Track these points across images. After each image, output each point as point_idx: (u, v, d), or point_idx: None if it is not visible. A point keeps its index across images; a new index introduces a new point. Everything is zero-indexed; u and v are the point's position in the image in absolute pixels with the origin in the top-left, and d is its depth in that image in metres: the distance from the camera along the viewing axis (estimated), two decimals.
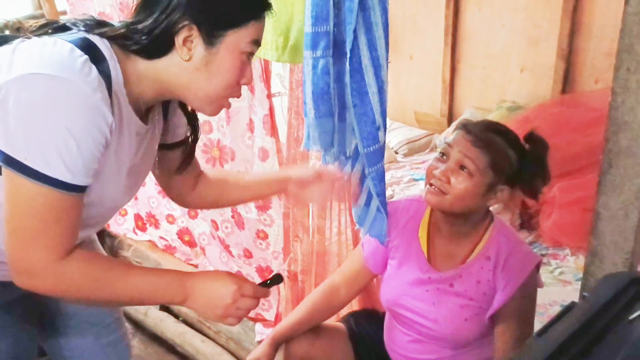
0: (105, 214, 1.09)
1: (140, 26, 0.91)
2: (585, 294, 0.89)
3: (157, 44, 0.91)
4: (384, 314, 1.58)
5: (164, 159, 1.17)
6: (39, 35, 0.90)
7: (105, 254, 1.07)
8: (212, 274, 1.00)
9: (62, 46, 0.85)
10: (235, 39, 0.93)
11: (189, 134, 1.16)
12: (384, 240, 1.44)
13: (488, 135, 1.26)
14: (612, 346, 0.73)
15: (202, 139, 1.95)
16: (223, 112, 1.87)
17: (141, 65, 0.94)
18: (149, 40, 0.91)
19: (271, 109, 1.74)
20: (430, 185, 1.29)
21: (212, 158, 2.01)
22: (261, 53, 1.56)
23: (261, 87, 1.72)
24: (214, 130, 1.96)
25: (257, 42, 0.97)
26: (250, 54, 0.97)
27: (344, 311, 1.71)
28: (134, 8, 0.94)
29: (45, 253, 0.87)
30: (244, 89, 1.75)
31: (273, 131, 1.77)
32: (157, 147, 1.13)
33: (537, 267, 1.32)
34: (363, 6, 1.21)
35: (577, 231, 2.30)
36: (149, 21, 0.90)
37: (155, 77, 0.95)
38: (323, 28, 1.25)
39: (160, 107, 1.09)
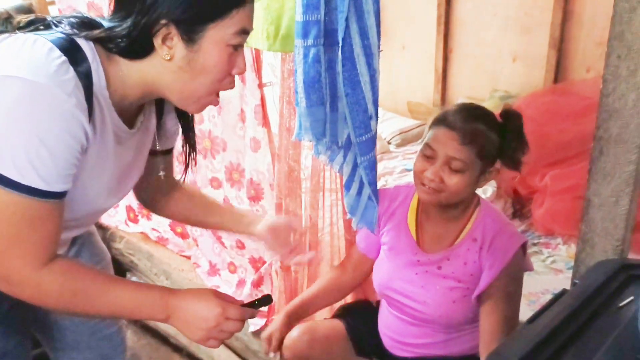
0: (90, 216, 1.08)
1: (118, 29, 0.87)
2: (576, 281, 0.90)
3: (137, 46, 0.88)
4: (377, 304, 1.59)
5: (148, 162, 1.14)
6: (24, 32, 0.88)
7: (89, 265, 1.05)
8: (197, 293, 0.97)
9: (41, 46, 0.82)
10: (217, 33, 0.88)
11: (183, 144, 1.14)
12: (374, 228, 1.45)
13: (471, 127, 1.26)
14: (602, 332, 0.74)
15: None
16: None
17: (124, 67, 0.91)
18: (128, 42, 0.88)
19: (263, 99, 1.73)
20: (423, 184, 1.30)
21: (204, 149, 2.00)
22: (252, 42, 1.55)
23: (252, 76, 1.71)
24: (205, 120, 1.95)
25: (244, 31, 0.91)
26: (239, 46, 0.92)
27: (336, 305, 1.72)
28: (111, 8, 0.91)
29: (20, 262, 0.85)
30: (235, 78, 1.75)
31: (265, 121, 1.76)
32: (146, 152, 1.10)
33: (524, 249, 1.34)
34: None
35: (569, 219, 2.31)
36: (127, 23, 0.86)
37: (139, 78, 0.92)
38: (314, 16, 1.24)
39: (152, 110, 1.06)
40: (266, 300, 1.05)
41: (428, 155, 1.30)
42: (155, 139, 1.11)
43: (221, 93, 1.90)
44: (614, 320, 0.77)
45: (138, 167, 1.09)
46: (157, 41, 0.87)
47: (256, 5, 1.01)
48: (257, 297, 1.06)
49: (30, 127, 0.79)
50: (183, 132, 1.13)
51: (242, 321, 0.98)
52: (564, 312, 0.77)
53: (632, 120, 0.94)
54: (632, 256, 1.06)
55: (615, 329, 0.73)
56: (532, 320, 0.77)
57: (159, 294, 0.95)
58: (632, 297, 0.82)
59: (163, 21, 0.85)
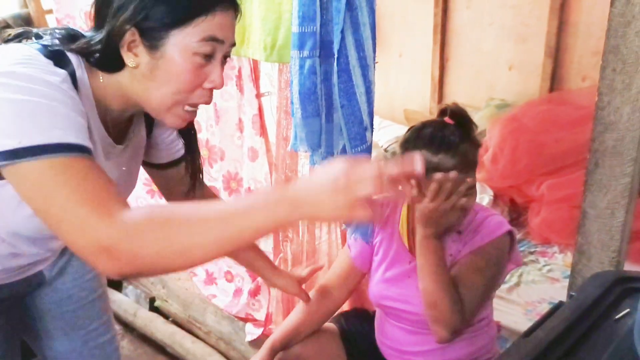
0: None
1: (92, 42, 0.87)
2: (572, 293, 0.90)
3: (110, 57, 0.88)
4: (374, 312, 1.59)
5: (165, 178, 1.13)
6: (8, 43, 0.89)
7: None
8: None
9: (27, 51, 0.83)
10: (181, 40, 0.85)
11: (184, 153, 1.13)
12: (369, 239, 1.46)
13: (458, 153, 1.22)
14: (598, 345, 0.74)
15: None
16: (212, 111, 1.87)
17: (104, 78, 0.91)
18: (102, 54, 0.87)
19: (260, 109, 1.74)
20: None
21: (202, 158, 2.00)
22: (249, 53, 1.56)
23: (250, 86, 1.72)
24: (203, 130, 1.96)
25: (213, 39, 0.87)
26: (207, 55, 0.88)
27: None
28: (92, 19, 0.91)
29: (99, 220, 0.73)
30: (233, 88, 1.76)
31: (262, 131, 1.77)
32: (137, 169, 1.09)
33: (512, 240, 1.33)
34: (350, 6, 1.21)
35: (566, 228, 2.32)
36: (100, 35, 0.87)
37: (117, 90, 0.92)
38: (310, 28, 1.25)
39: (141, 125, 1.06)
40: None
41: (420, 193, 1.23)
42: (158, 150, 1.11)
43: (219, 103, 1.91)
44: (610, 333, 0.77)
45: (130, 182, 1.08)
46: (123, 49, 0.87)
47: (253, 17, 1.00)
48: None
49: (39, 92, 0.77)
50: (186, 152, 1.12)
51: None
52: (561, 325, 0.77)
53: (627, 133, 0.95)
54: (628, 266, 1.07)
55: (612, 342, 0.74)
56: (528, 333, 0.77)
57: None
58: (628, 310, 0.82)
59: (127, 27, 0.84)
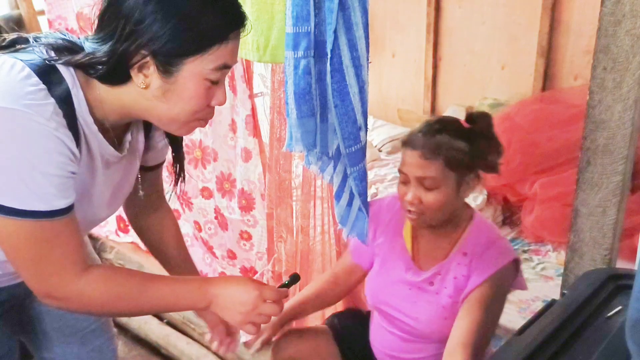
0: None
1: (98, 54, 0.86)
2: (565, 291, 0.91)
3: (115, 73, 0.87)
4: (368, 313, 1.59)
5: (145, 179, 1.14)
6: (4, 52, 0.88)
7: (119, 266, 1.05)
8: (234, 279, 1.01)
9: (18, 72, 0.82)
10: (196, 67, 0.87)
11: (172, 164, 1.14)
12: (364, 239, 1.45)
13: (431, 141, 1.25)
14: (591, 342, 0.74)
15: (184, 140, 1.93)
16: None
17: (103, 91, 0.90)
18: (106, 69, 0.87)
19: (253, 109, 1.74)
20: (408, 211, 1.30)
21: (194, 159, 2.00)
22: (242, 53, 1.56)
23: (243, 87, 1.71)
24: (196, 131, 1.93)
25: (225, 67, 0.90)
26: (217, 80, 0.91)
27: (328, 312, 1.72)
28: (94, 27, 0.90)
29: (57, 279, 0.88)
30: (226, 89, 1.76)
31: (256, 131, 1.76)
32: (136, 170, 1.10)
33: (516, 266, 1.32)
34: (343, 6, 1.20)
35: (558, 226, 2.33)
36: (106, 48, 0.85)
37: (118, 102, 0.91)
38: (304, 28, 1.24)
39: (140, 128, 1.06)
40: (295, 279, 1.10)
41: (403, 180, 1.31)
42: (147, 152, 1.11)
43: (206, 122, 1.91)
44: (602, 330, 0.78)
45: (129, 183, 1.09)
46: (133, 69, 0.86)
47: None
48: (285, 281, 1.10)
49: (18, 154, 0.79)
50: (174, 154, 1.13)
51: (279, 303, 1.00)
52: (553, 323, 0.77)
53: (619, 131, 0.96)
54: (621, 263, 1.07)
55: (604, 339, 0.74)
56: (521, 331, 0.77)
57: (197, 284, 0.98)
58: (620, 307, 0.83)
59: (140, 51, 0.84)
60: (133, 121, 1.02)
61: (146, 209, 1.24)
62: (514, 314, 1.96)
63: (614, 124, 0.96)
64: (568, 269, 1.09)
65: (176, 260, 1.30)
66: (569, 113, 2.64)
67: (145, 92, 0.88)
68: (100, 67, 0.86)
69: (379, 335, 1.48)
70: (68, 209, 0.86)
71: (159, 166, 1.18)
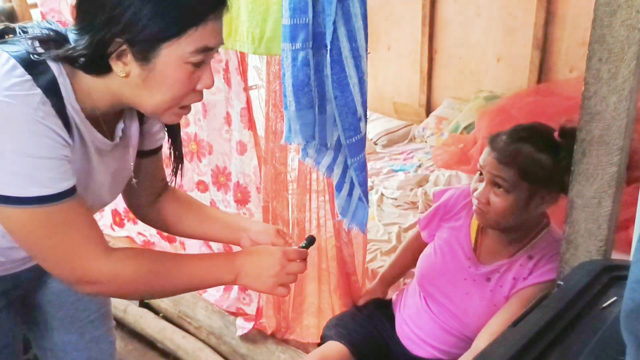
0: None
1: (77, 48, 0.85)
2: (560, 282, 0.91)
3: (96, 64, 0.87)
4: (367, 309, 1.59)
5: (140, 165, 1.12)
6: None
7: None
8: (256, 249, 1.04)
9: (3, 64, 0.82)
10: (173, 52, 0.85)
11: (169, 143, 1.12)
12: (364, 228, 1.45)
13: (513, 148, 1.23)
14: (586, 333, 0.74)
15: None
16: (200, 105, 1.86)
17: (89, 81, 0.90)
18: (86, 61, 0.86)
19: (248, 102, 1.73)
20: (476, 206, 1.31)
21: (190, 152, 1.99)
22: (237, 45, 1.55)
23: (238, 80, 1.70)
24: (191, 124, 1.94)
25: (206, 49, 0.87)
26: (201, 63, 0.89)
27: (327, 313, 1.74)
28: (74, 19, 0.89)
29: (85, 262, 0.88)
30: (220, 82, 1.75)
31: (251, 124, 1.76)
32: (131, 157, 1.08)
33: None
34: None
35: (554, 217, 2.33)
36: (83, 42, 0.85)
37: (105, 91, 0.91)
38: (302, 20, 1.24)
39: (133, 116, 1.05)
40: (311, 240, 1.12)
41: (479, 177, 1.31)
42: (143, 138, 1.10)
43: (207, 96, 1.90)
44: (597, 321, 0.78)
45: (126, 171, 1.08)
46: (112, 59, 0.86)
47: (240, 8, 0.99)
48: (302, 243, 1.12)
49: (8, 144, 0.80)
50: (170, 141, 1.12)
51: (304, 261, 1.03)
52: (548, 314, 0.77)
53: (614, 122, 0.95)
54: (616, 255, 1.08)
55: (599, 330, 0.74)
56: (516, 322, 0.77)
57: (224, 258, 1.01)
58: (615, 298, 0.83)
59: (116, 39, 0.83)
60: (126, 109, 1.01)
61: (151, 197, 1.20)
62: None
63: (609, 115, 0.96)
64: (563, 260, 1.09)
65: (208, 226, 1.23)
66: (565, 105, 2.63)
67: (127, 80, 0.88)
68: (82, 59, 0.86)
69: (417, 317, 1.46)
70: (72, 191, 0.86)
71: (156, 151, 1.15)
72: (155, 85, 0.88)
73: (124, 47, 0.84)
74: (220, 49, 1.68)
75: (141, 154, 1.12)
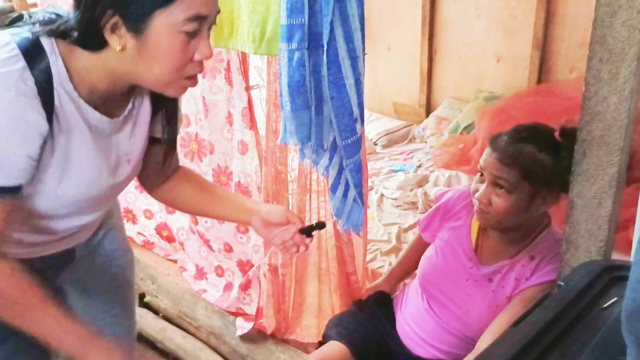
0: (89, 200, 1.04)
1: (71, 21, 0.86)
2: (561, 282, 0.91)
3: (91, 38, 0.87)
4: (368, 307, 1.59)
5: (149, 149, 1.11)
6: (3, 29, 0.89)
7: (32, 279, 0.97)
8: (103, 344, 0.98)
9: (5, 39, 0.83)
10: (165, 20, 0.84)
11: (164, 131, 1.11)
12: (359, 230, 1.45)
13: (514, 148, 1.23)
14: (586, 334, 0.74)
15: (180, 133, 1.92)
16: (201, 105, 1.86)
17: (87, 58, 0.90)
18: (80, 34, 0.86)
19: (250, 102, 1.73)
20: (477, 207, 1.31)
21: (191, 152, 1.99)
22: (238, 45, 1.55)
23: (239, 79, 1.70)
24: (192, 123, 1.94)
25: (198, 17, 0.86)
26: (195, 32, 0.87)
27: (327, 313, 1.73)
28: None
29: None
30: (222, 81, 1.75)
31: (252, 124, 1.76)
32: (143, 138, 1.07)
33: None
34: None
35: (554, 218, 2.33)
36: (77, 16, 0.86)
37: (103, 68, 0.91)
38: (298, 20, 1.24)
39: (144, 99, 1.04)
40: (320, 225, 1.15)
41: (480, 177, 1.31)
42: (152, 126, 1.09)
43: (208, 96, 1.90)
44: (598, 321, 0.78)
45: (138, 152, 1.07)
46: (106, 32, 0.86)
47: (241, 8, 0.98)
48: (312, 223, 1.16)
49: None
50: (165, 116, 1.09)
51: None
52: (549, 314, 0.78)
53: (615, 122, 0.96)
54: (616, 255, 1.08)
55: (599, 330, 0.74)
56: (517, 323, 0.77)
57: (80, 334, 0.96)
58: (615, 298, 0.83)
59: (108, 11, 0.83)
60: (136, 90, 1.01)
61: (161, 179, 1.20)
62: None
63: (609, 115, 0.96)
64: (563, 260, 1.09)
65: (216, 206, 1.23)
66: (565, 105, 2.63)
67: (123, 54, 0.87)
68: (75, 32, 0.86)
69: (418, 318, 1.46)
70: (8, 190, 0.86)
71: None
72: (151, 57, 0.87)
73: (116, 19, 0.84)
74: (222, 49, 1.69)
75: (152, 140, 1.11)
